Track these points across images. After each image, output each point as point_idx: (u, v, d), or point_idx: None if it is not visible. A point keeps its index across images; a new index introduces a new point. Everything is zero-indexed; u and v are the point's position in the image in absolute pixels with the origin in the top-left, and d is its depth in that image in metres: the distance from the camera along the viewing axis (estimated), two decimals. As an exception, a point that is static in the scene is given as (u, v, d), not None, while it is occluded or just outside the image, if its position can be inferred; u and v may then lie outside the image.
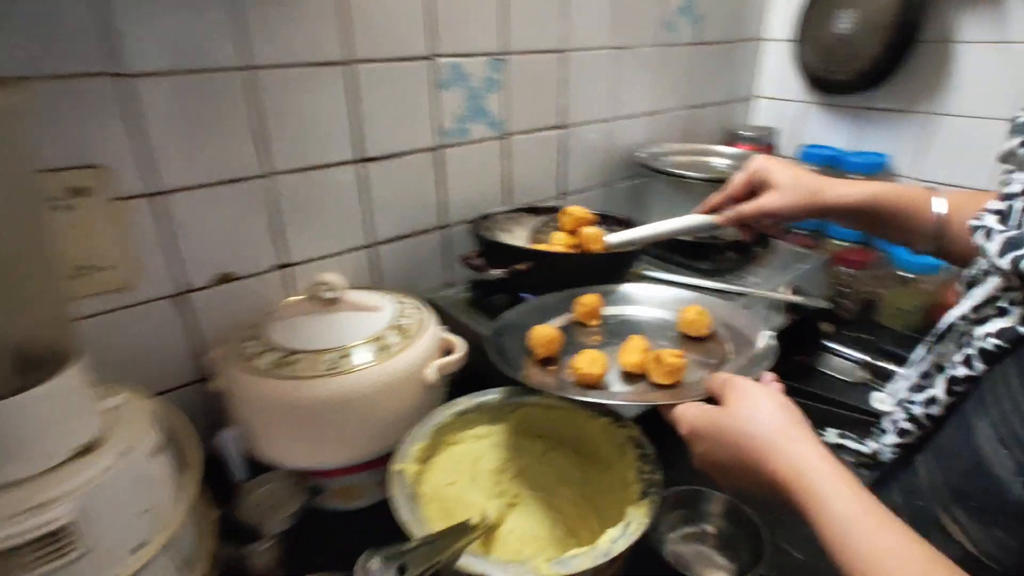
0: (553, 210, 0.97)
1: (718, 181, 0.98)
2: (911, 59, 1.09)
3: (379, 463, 0.66)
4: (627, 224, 0.93)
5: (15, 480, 0.46)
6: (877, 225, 0.61)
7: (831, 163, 1.19)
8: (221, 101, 0.67)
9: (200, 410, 0.69)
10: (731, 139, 1.29)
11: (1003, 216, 0.40)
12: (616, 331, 0.68)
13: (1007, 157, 0.43)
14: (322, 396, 0.60)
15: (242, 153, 0.71)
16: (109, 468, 0.48)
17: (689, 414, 0.48)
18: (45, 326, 0.49)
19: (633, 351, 0.59)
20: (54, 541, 0.45)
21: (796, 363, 1.00)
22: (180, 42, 0.63)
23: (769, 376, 0.52)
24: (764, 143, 1.29)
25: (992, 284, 0.40)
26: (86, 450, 0.49)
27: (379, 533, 0.63)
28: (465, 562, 0.46)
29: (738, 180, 0.68)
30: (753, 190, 0.67)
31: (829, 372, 0.96)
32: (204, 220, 0.70)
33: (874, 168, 1.15)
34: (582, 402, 0.59)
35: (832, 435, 0.56)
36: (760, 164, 0.66)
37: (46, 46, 0.56)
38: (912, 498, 0.44)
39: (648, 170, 1.05)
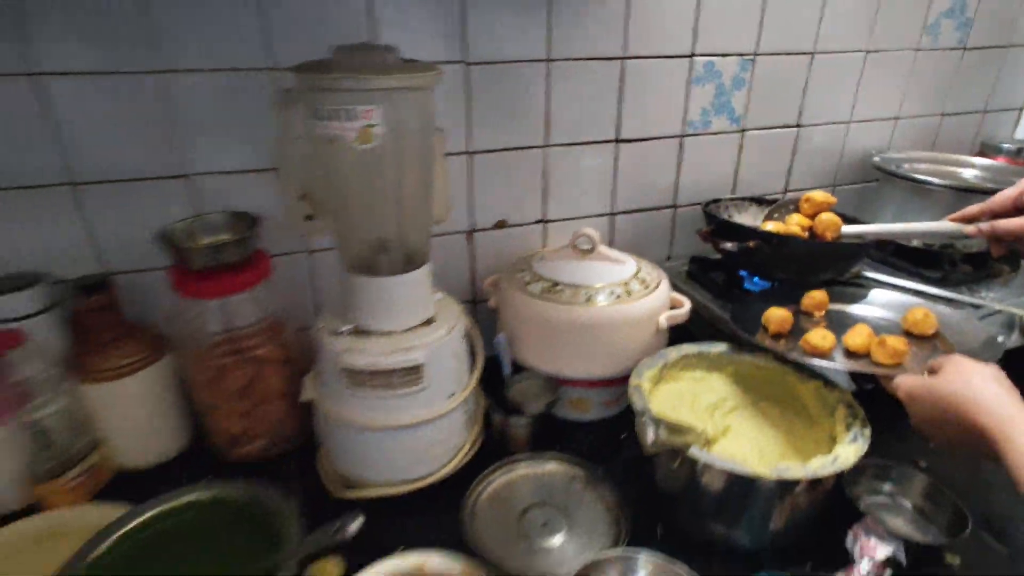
0: (780, 204, 1.04)
1: (966, 191, 0.97)
2: None
3: (606, 384, 0.82)
4: (856, 223, 0.97)
5: (393, 331, 0.69)
6: None
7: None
8: (525, 86, 0.87)
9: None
10: (989, 152, 1.22)
11: None
12: (839, 322, 0.75)
13: None
14: (579, 320, 0.77)
15: (531, 128, 0.90)
16: (443, 336, 0.70)
17: (907, 381, 0.58)
18: (421, 236, 0.71)
19: (858, 335, 0.68)
20: (413, 372, 0.67)
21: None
22: (505, 37, 0.83)
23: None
24: (1027, 158, 1.19)
25: None
26: (427, 322, 0.71)
27: (595, 444, 0.79)
28: (695, 452, 0.59)
29: (1005, 194, 0.68)
30: (1020, 208, 0.66)
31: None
32: (494, 177, 0.91)
33: None
34: (812, 366, 0.69)
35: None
36: None
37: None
38: None
39: (884, 174, 1.06)
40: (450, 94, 0.83)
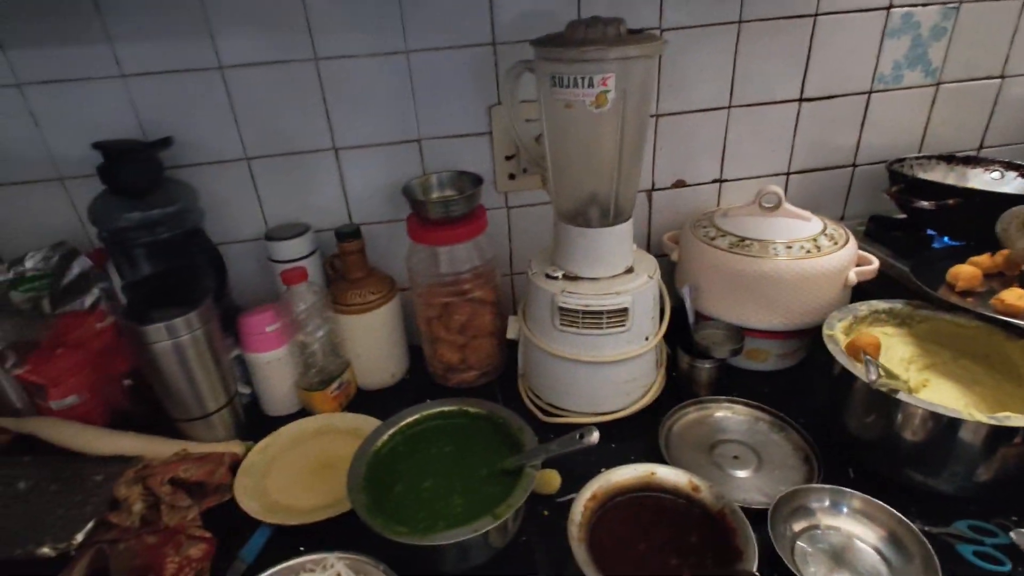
0: (973, 161, 0.99)
1: None
2: None
3: (787, 336, 0.86)
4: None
5: (599, 277, 0.77)
6: None
7: None
8: (712, 49, 0.90)
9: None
10: None
11: None
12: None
13: None
14: (767, 272, 0.81)
15: (716, 90, 0.93)
16: (643, 283, 0.77)
17: None
18: (629, 192, 0.78)
19: None
20: (620, 315, 0.75)
21: None
22: (696, 8, 0.86)
23: None
24: None
25: None
26: (628, 271, 0.79)
27: (773, 393, 0.83)
28: (905, 397, 0.62)
29: None
30: None
31: None
32: (675, 138, 0.95)
33: None
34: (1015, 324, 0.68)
35: None
36: None
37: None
38: None
39: (1105, 127, 0.97)
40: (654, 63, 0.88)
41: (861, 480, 0.70)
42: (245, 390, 0.85)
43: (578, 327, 0.76)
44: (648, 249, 1.03)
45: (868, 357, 0.63)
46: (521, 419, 0.69)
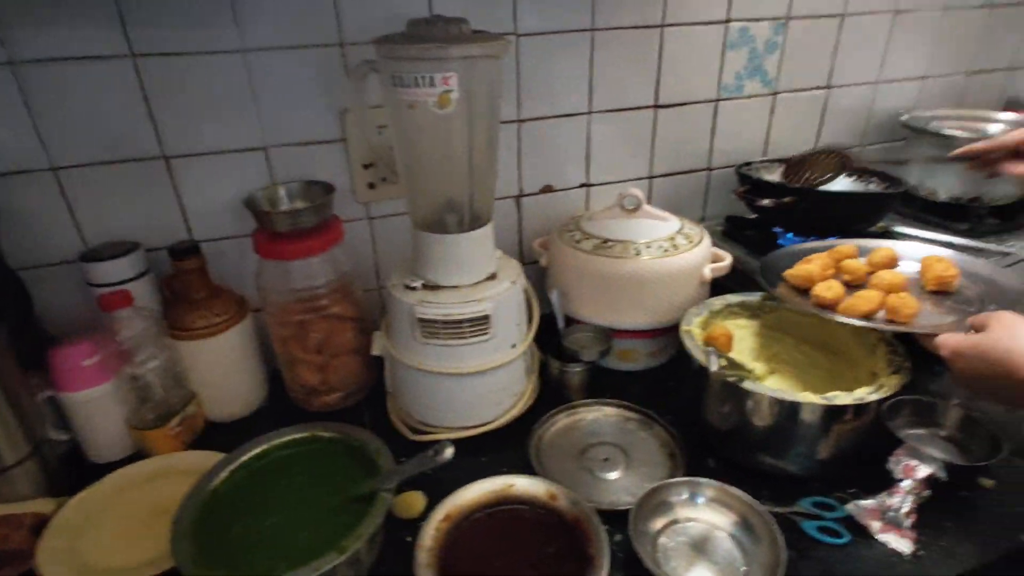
0: (803, 160, 1.08)
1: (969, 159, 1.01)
2: None
3: (653, 334, 0.88)
4: (881, 176, 1.01)
5: (460, 285, 0.75)
6: None
7: None
8: (571, 55, 0.91)
9: (523, 281, 0.97)
10: (1015, 107, 1.24)
11: None
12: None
13: None
14: (630, 272, 0.82)
15: (575, 96, 0.94)
16: (506, 289, 0.75)
17: (952, 339, 0.57)
18: (486, 196, 0.76)
19: (867, 295, 0.68)
20: (482, 323, 0.73)
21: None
22: (554, 7, 0.87)
23: None
24: (1054, 113, 1.21)
25: None
26: (491, 277, 0.77)
27: (643, 392, 0.85)
28: (748, 385, 0.64)
29: (1016, 135, 0.73)
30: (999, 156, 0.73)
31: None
32: (541, 144, 0.96)
33: None
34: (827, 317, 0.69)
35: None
36: None
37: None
38: None
39: (912, 131, 1.09)
40: (504, 66, 0.87)
41: (721, 469, 0.72)
42: (61, 436, 0.73)
43: (439, 338, 0.73)
44: (520, 256, 1.03)
45: (710, 348, 0.64)
46: (380, 440, 0.64)
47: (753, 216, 1.04)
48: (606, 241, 0.85)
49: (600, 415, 0.81)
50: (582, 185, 1.02)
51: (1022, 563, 0.62)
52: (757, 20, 1.00)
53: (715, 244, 0.99)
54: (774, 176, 1.06)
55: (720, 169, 1.10)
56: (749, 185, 0.97)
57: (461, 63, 0.62)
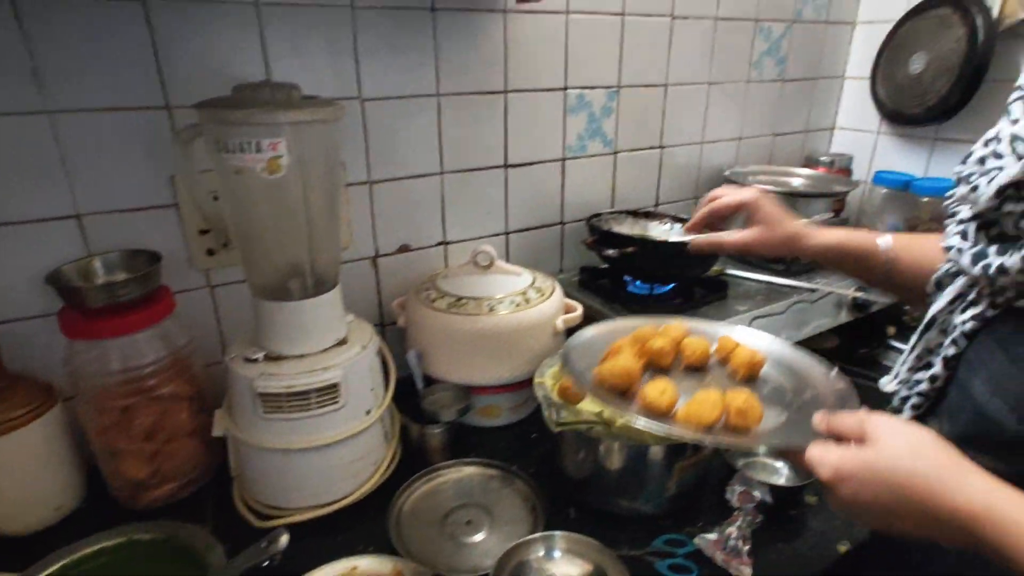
0: (651, 215, 1.17)
1: (795, 195, 1.16)
2: (979, 96, 1.22)
3: (514, 388, 0.89)
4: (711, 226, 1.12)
5: (307, 353, 0.71)
6: (841, 266, 0.70)
7: (904, 187, 1.32)
8: (418, 118, 0.93)
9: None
10: (811, 163, 1.45)
11: (964, 235, 0.51)
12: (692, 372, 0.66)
13: (955, 200, 0.53)
14: (484, 329, 0.83)
15: (427, 157, 0.96)
16: (357, 354, 0.73)
17: (831, 456, 0.45)
18: (330, 260, 0.74)
19: (705, 402, 0.56)
20: (330, 391, 0.69)
21: (860, 356, 1.14)
22: (397, 75, 0.89)
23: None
24: (840, 167, 1.43)
25: (960, 284, 0.52)
26: (340, 343, 0.74)
27: (507, 447, 0.85)
28: (596, 431, 0.66)
29: (728, 201, 0.73)
30: (723, 216, 0.74)
31: (890, 364, 1.09)
32: (395, 204, 0.96)
33: (944, 192, 1.27)
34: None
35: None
36: (753, 197, 0.71)
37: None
38: None
39: (735, 185, 1.23)
40: (348, 128, 0.88)
41: (581, 518, 0.73)
42: None
43: (284, 411, 0.68)
44: (380, 318, 1.00)
45: (549, 397, 0.66)
46: (210, 537, 0.58)
47: (605, 266, 1.10)
48: (460, 299, 0.86)
49: (462, 475, 0.79)
50: (440, 243, 1.03)
51: (841, 569, 0.68)
52: (592, 88, 1.09)
53: (571, 294, 1.04)
54: (621, 227, 1.14)
55: (573, 223, 1.17)
56: (597, 235, 1.03)
57: (290, 128, 0.61)
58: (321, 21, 0.82)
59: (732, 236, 0.74)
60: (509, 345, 0.85)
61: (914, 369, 0.57)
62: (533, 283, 0.91)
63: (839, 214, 1.26)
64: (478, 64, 0.96)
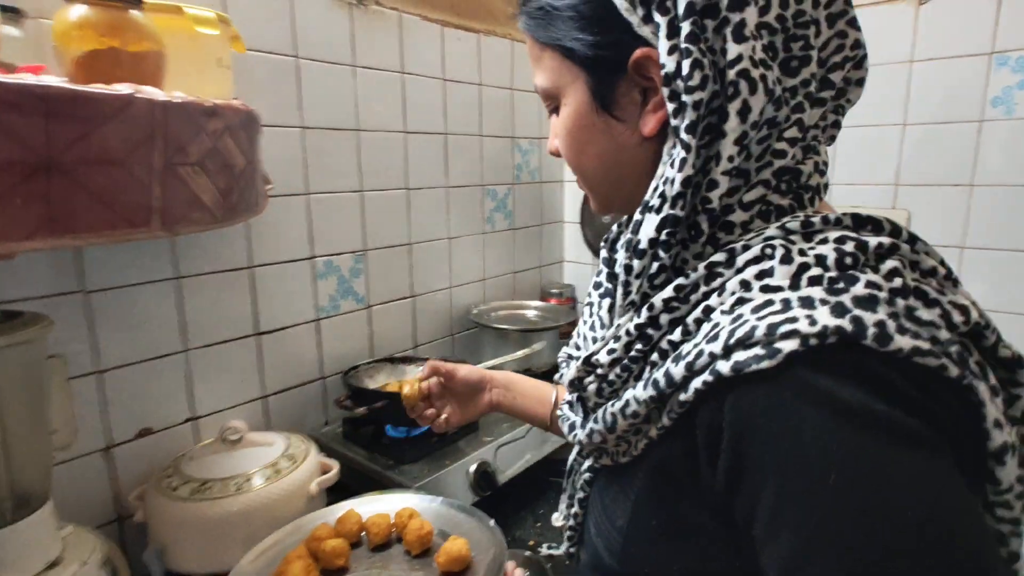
0: (408, 360, 1.29)
1: (530, 331, 1.39)
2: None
3: (273, 563, 0.88)
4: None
5: (6, 588, 0.65)
6: (519, 414, 0.87)
7: (613, 309, 1.64)
8: (155, 302, 0.94)
9: (118, 543, 0.87)
10: (545, 295, 1.74)
11: (570, 405, 0.59)
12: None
13: (572, 385, 0.54)
14: (232, 511, 0.83)
15: (167, 337, 0.97)
16: (74, 573, 0.68)
17: None
18: (36, 476, 0.70)
19: None
20: (36, 628, 0.63)
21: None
22: (127, 264, 0.91)
23: (511, 565, 0.70)
24: (568, 296, 1.74)
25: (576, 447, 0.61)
26: (51, 566, 0.69)
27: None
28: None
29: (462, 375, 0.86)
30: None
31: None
32: (131, 388, 0.93)
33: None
34: None
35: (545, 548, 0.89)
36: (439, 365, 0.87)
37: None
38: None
39: (479, 325, 1.43)
40: (70, 320, 0.85)
41: None
42: None
43: (-28, 668, 0.60)
44: (118, 512, 0.93)
45: None
46: None
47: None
48: (205, 482, 0.85)
49: None
50: (187, 420, 1.01)
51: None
52: (339, 254, 1.21)
53: (334, 448, 1.09)
54: (378, 377, 1.23)
55: (334, 375, 1.23)
56: (351, 392, 1.11)
57: (-22, 359, 0.59)
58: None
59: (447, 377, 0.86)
60: (263, 522, 0.85)
61: (568, 507, 0.67)
62: (286, 450, 0.94)
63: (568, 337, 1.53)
64: (219, 245, 1.02)
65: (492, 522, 0.76)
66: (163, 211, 0.56)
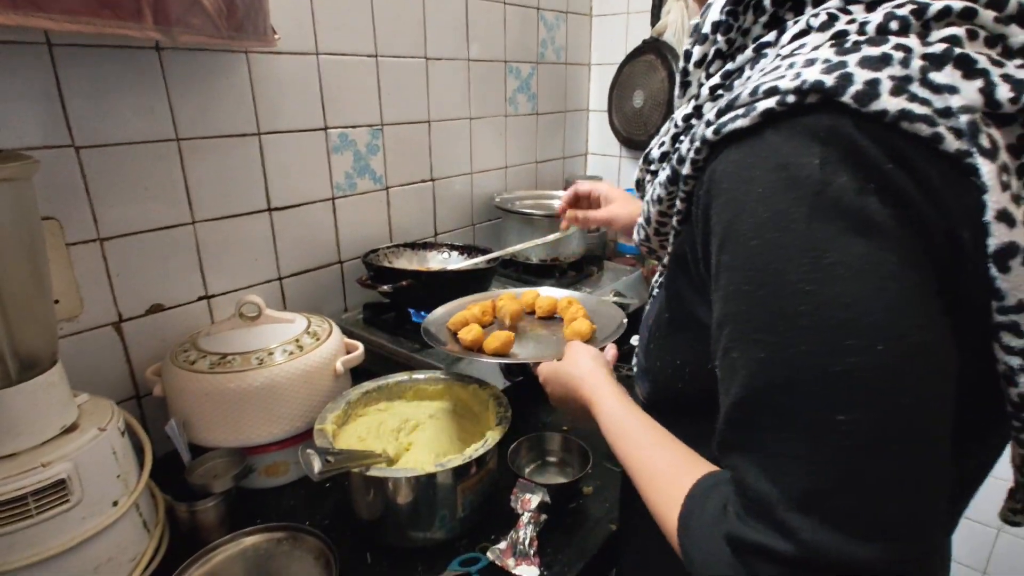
0: (429, 245, 1.22)
1: (558, 216, 1.29)
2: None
3: (299, 440, 0.84)
4: (486, 253, 1.20)
5: (27, 448, 0.60)
6: None
7: (642, 202, 1.55)
8: (156, 166, 0.85)
9: (137, 419, 0.83)
10: (569, 185, 1.63)
11: (647, 220, 0.57)
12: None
13: (637, 184, 0.59)
14: (256, 384, 0.78)
15: (172, 207, 0.88)
16: (90, 440, 0.64)
17: (543, 368, 0.69)
18: (41, 337, 0.64)
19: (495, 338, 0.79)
20: (57, 489, 0.60)
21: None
22: (120, 118, 0.81)
23: (611, 348, 0.72)
24: (594, 189, 1.64)
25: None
26: (68, 430, 0.64)
27: (298, 503, 0.81)
28: (373, 472, 0.66)
29: (581, 188, 0.97)
30: (591, 203, 0.97)
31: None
32: (139, 260, 0.86)
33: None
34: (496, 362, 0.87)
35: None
36: (605, 187, 0.95)
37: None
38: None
39: (504, 211, 1.34)
40: (62, 180, 0.77)
41: (378, 560, 0.72)
42: None
43: (-8, 528, 0.56)
44: (135, 390, 0.88)
45: (310, 450, 0.65)
46: None
47: (387, 300, 1.11)
48: (225, 356, 0.80)
49: (244, 546, 0.73)
50: (201, 298, 0.94)
51: (614, 546, 0.76)
52: (354, 127, 1.10)
53: (356, 333, 1.03)
54: (400, 260, 1.16)
55: (352, 260, 1.16)
56: (372, 273, 1.04)
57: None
58: (12, 63, 0.70)
59: (596, 213, 0.94)
60: (286, 396, 0.81)
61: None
62: (308, 328, 0.88)
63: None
64: (223, 106, 0.91)
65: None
66: (156, 5, 0.46)
